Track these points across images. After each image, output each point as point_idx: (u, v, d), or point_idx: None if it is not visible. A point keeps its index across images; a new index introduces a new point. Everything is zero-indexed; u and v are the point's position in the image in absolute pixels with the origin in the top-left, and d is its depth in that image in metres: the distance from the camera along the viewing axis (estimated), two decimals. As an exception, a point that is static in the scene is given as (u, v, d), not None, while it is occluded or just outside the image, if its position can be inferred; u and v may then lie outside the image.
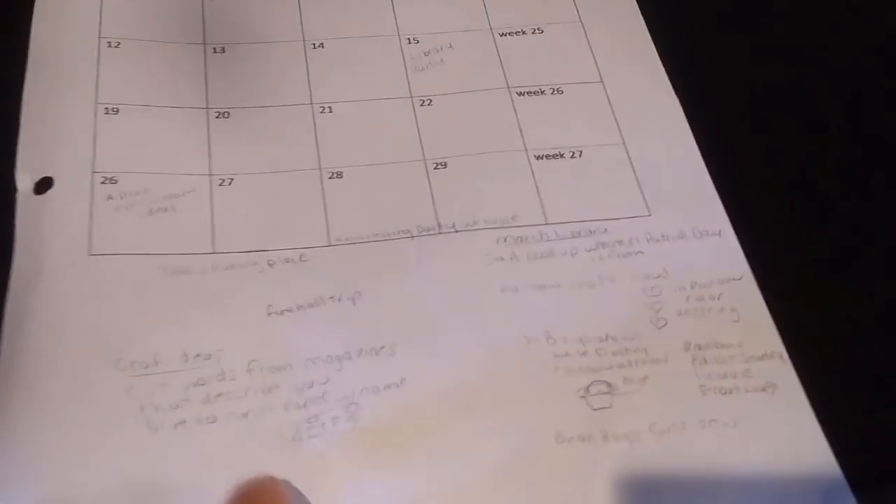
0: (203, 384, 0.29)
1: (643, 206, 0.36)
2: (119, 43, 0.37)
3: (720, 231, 0.35)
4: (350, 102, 0.37)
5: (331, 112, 0.37)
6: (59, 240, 0.31)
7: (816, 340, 0.32)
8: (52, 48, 0.36)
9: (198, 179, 0.34)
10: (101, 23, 0.37)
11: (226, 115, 0.36)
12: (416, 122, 0.37)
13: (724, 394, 0.31)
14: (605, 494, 0.28)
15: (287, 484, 0.27)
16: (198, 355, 0.30)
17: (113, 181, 0.33)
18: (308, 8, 0.40)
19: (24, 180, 0.33)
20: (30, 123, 0.34)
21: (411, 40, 0.40)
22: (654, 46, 0.41)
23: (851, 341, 0.33)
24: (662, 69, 0.40)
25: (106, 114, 0.35)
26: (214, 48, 0.38)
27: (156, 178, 0.34)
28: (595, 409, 0.30)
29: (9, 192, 0.32)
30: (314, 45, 0.39)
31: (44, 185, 0.33)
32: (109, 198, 0.33)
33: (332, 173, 0.35)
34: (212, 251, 0.32)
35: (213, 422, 0.28)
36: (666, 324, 0.32)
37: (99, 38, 0.37)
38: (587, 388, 0.31)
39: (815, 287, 0.34)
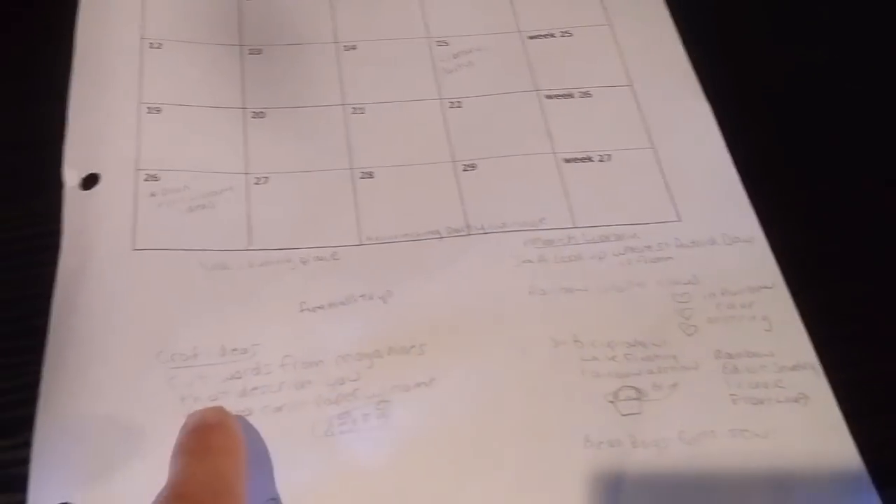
0: (239, 377, 0.30)
1: (673, 211, 0.35)
2: (161, 44, 0.38)
3: (751, 238, 0.35)
4: (381, 104, 0.38)
5: (362, 113, 0.37)
6: (105, 234, 0.32)
7: (849, 352, 0.32)
8: (97, 49, 0.37)
9: (235, 178, 0.35)
10: (143, 25, 0.38)
11: (261, 115, 0.37)
12: (446, 123, 0.38)
13: (756, 404, 0.31)
14: (633, 501, 0.28)
15: (240, 420, 0.28)
16: (234, 349, 0.30)
17: (155, 178, 0.34)
18: (340, 11, 0.41)
19: (72, 176, 0.34)
20: (76, 121, 0.35)
21: (441, 43, 0.40)
22: (683, 49, 0.41)
23: (885, 353, 0.33)
24: (692, 72, 0.40)
25: (149, 113, 0.36)
26: (251, 49, 0.39)
27: (195, 175, 0.34)
28: (624, 415, 0.30)
29: (56, 187, 0.33)
30: (346, 47, 0.40)
31: (90, 181, 0.34)
32: (152, 194, 0.34)
33: (364, 173, 0.36)
34: (248, 248, 0.33)
35: (248, 414, 0.29)
36: (696, 331, 0.32)
37: (141, 39, 0.38)
38: (616, 394, 0.31)
39: (848, 297, 0.34)
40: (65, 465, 0.28)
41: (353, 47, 0.40)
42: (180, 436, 0.26)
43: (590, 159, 0.37)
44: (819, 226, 0.36)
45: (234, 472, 0.25)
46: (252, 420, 0.29)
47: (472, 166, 0.36)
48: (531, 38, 0.41)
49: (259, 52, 0.39)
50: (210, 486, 0.24)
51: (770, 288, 0.33)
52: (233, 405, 0.29)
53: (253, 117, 0.37)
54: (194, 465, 0.25)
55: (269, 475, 0.28)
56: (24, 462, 0.27)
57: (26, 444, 0.28)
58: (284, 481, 0.28)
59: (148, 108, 0.36)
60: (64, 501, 0.27)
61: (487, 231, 0.34)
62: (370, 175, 0.36)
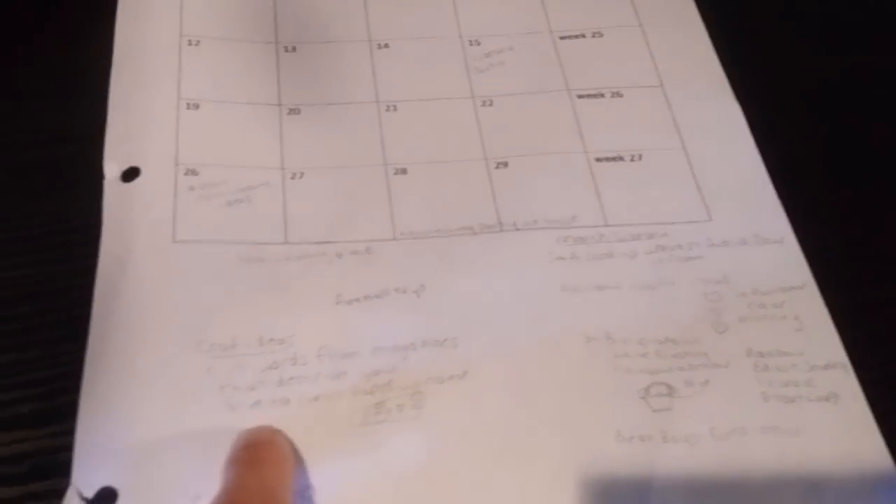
0: (276, 368, 0.30)
1: (704, 211, 0.36)
2: (199, 41, 0.39)
3: (782, 238, 0.35)
4: (413, 101, 0.38)
5: (395, 110, 0.38)
6: (146, 226, 0.33)
7: (880, 352, 0.32)
8: (136, 45, 0.38)
9: (271, 173, 0.35)
10: (181, 22, 0.39)
11: (297, 111, 0.37)
12: (478, 121, 0.38)
13: (787, 402, 0.31)
14: (663, 496, 0.29)
15: (287, 438, 0.28)
16: (272, 340, 0.31)
17: (194, 172, 0.35)
18: (374, 9, 0.41)
19: (112, 169, 0.34)
20: (116, 116, 0.36)
21: (473, 42, 0.40)
22: (714, 50, 0.41)
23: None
24: (723, 72, 0.40)
25: (188, 108, 0.36)
26: (286, 47, 0.39)
27: (233, 170, 0.35)
28: (655, 411, 0.30)
29: (95, 182, 0.34)
30: (379, 45, 0.40)
31: (130, 174, 0.34)
32: (191, 188, 0.34)
33: (397, 169, 0.36)
34: (284, 241, 0.33)
35: (286, 404, 0.29)
36: (727, 329, 0.32)
37: (180, 35, 0.39)
38: (647, 389, 0.31)
39: (879, 298, 0.34)
40: (107, 451, 0.28)
41: (386, 45, 0.40)
42: (233, 449, 0.27)
43: (621, 158, 0.37)
44: (850, 226, 0.36)
45: (282, 484, 0.26)
46: (289, 409, 0.29)
47: (504, 164, 0.36)
48: (562, 38, 0.41)
49: (294, 49, 0.39)
50: (260, 495, 0.25)
51: (801, 288, 0.33)
52: (270, 394, 0.30)
53: (288, 114, 0.37)
54: (246, 475, 0.26)
55: (305, 462, 0.28)
56: (67, 448, 0.28)
57: (70, 432, 0.28)
58: (320, 469, 0.28)
59: (187, 103, 0.36)
60: (106, 485, 0.27)
61: (520, 228, 0.35)
62: (403, 171, 0.36)
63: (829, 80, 0.41)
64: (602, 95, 0.39)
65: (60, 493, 0.27)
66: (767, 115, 0.38)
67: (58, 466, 0.28)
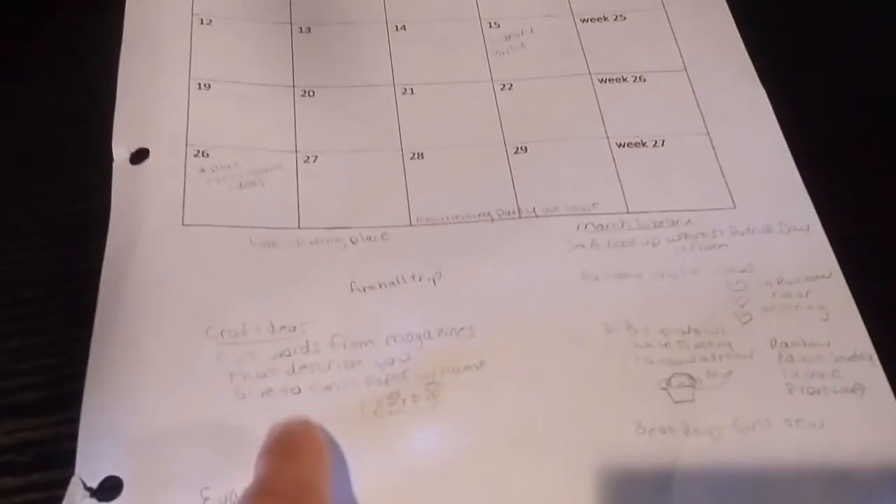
0: (288, 355, 0.29)
1: (728, 198, 0.34)
2: (211, 20, 0.38)
3: (808, 226, 0.34)
4: (431, 85, 0.37)
5: (412, 94, 0.37)
6: (155, 209, 0.32)
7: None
8: (147, 24, 0.37)
9: (284, 156, 0.34)
10: (193, 1, 0.38)
11: (311, 93, 0.36)
12: (497, 105, 0.37)
13: (812, 393, 0.30)
14: (684, 488, 0.28)
15: (322, 429, 0.27)
16: (283, 327, 0.30)
17: (205, 154, 0.34)
18: (391, -10, 0.40)
19: (120, 151, 0.33)
20: (126, 96, 0.35)
21: (492, 24, 0.39)
22: (739, 34, 0.39)
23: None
24: (748, 57, 0.39)
25: (199, 89, 0.35)
26: (301, 28, 0.38)
27: (245, 152, 0.34)
28: (676, 402, 0.29)
29: (106, 163, 0.33)
30: (397, 27, 0.39)
31: (140, 156, 0.33)
32: (202, 170, 0.33)
33: (414, 154, 0.35)
34: (298, 226, 0.32)
35: (297, 393, 0.29)
36: (751, 319, 0.31)
37: (192, 15, 0.38)
38: (668, 381, 0.30)
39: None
40: (112, 440, 0.27)
41: (404, 27, 0.39)
42: (267, 440, 0.26)
43: (643, 144, 0.36)
44: (878, 215, 0.35)
45: (319, 473, 0.25)
46: (301, 399, 0.28)
47: (524, 149, 0.35)
48: (584, 21, 0.40)
49: (309, 30, 0.38)
50: (296, 483, 0.24)
51: (827, 277, 0.32)
52: (282, 383, 0.29)
53: (302, 96, 0.36)
54: (281, 464, 0.25)
55: (342, 454, 0.27)
56: (72, 438, 0.27)
57: (75, 421, 0.28)
58: (333, 459, 0.27)
59: (198, 84, 0.36)
60: (111, 475, 0.27)
61: (539, 215, 0.34)
62: (420, 156, 0.35)
63: (857, 66, 0.39)
64: (624, 80, 0.38)
65: (64, 482, 0.26)
66: (794, 101, 0.37)
67: (62, 456, 0.27)
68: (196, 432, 0.27)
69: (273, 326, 0.30)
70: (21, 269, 0.31)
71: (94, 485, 0.26)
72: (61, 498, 0.26)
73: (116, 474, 0.27)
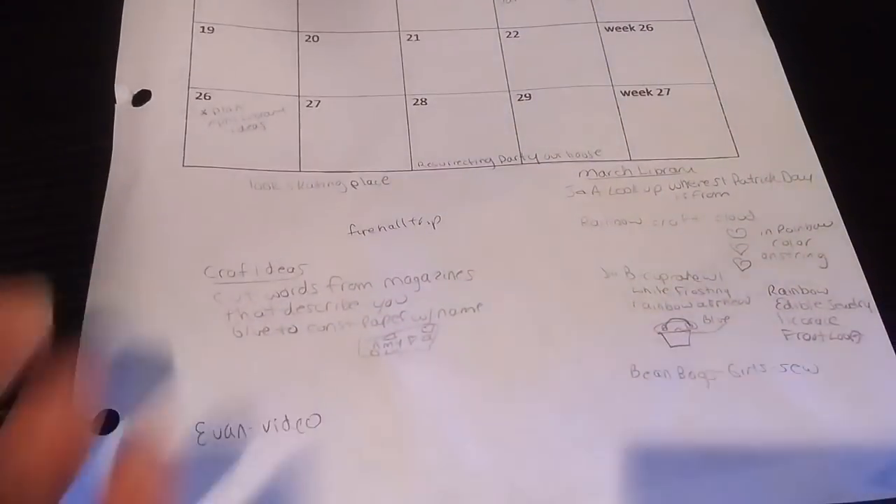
0: (286, 296, 0.28)
1: (731, 146, 0.33)
2: None
3: (811, 176, 0.32)
4: (437, 31, 0.35)
5: (417, 40, 0.35)
6: (155, 150, 0.31)
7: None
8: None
9: (287, 100, 0.33)
10: None
11: (315, 38, 0.35)
12: (502, 52, 0.35)
13: (808, 340, 0.29)
14: (677, 431, 0.27)
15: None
16: (282, 268, 0.29)
17: (207, 97, 0.32)
18: (399, -63, 0.38)
19: (123, 92, 0.32)
20: (129, 38, 0.34)
21: None
22: (749, -15, 0.37)
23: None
24: (757, 8, 0.37)
25: (202, 32, 0.34)
26: None
27: (247, 96, 0.33)
28: (672, 346, 0.28)
29: (109, 105, 0.32)
30: None
31: (141, 98, 0.32)
32: (203, 113, 0.32)
33: (417, 100, 0.33)
34: (298, 169, 0.31)
35: (294, 332, 0.28)
36: (750, 266, 0.30)
37: (196, -43, 0.36)
38: (665, 325, 0.29)
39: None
40: (109, 375, 0.26)
41: None
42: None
43: (648, 93, 0.34)
44: (881, 164, 0.33)
45: None
46: (297, 338, 0.28)
47: (528, 96, 0.34)
48: None
49: None
50: None
51: (828, 226, 0.31)
52: (279, 322, 0.28)
53: (306, 40, 0.34)
54: None
55: (313, 391, 0.27)
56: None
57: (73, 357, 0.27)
58: (328, 398, 0.26)
59: (202, 27, 0.34)
60: (107, 408, 0.26)
61: (541, 161, 0.32)
62: (423, 102, 0.33)
63: (865, 20, 0.37)
64: (631, 28, 0.36)
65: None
66: (801, 52, 0.35)
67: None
68: (193, 369, 0.27)
69: (271, 267, 0.29)
70: (21, 207, 0.30)
71: (90, 418, 0.26)
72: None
73: (113, 408, 0.26)
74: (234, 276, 0.28)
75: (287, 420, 0.26)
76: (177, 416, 0.26)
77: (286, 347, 0.27)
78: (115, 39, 0.33)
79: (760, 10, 0.37)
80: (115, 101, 0.32)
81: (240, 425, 0.25)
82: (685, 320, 0.29)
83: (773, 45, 0.35)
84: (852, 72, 0.36)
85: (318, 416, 0.26)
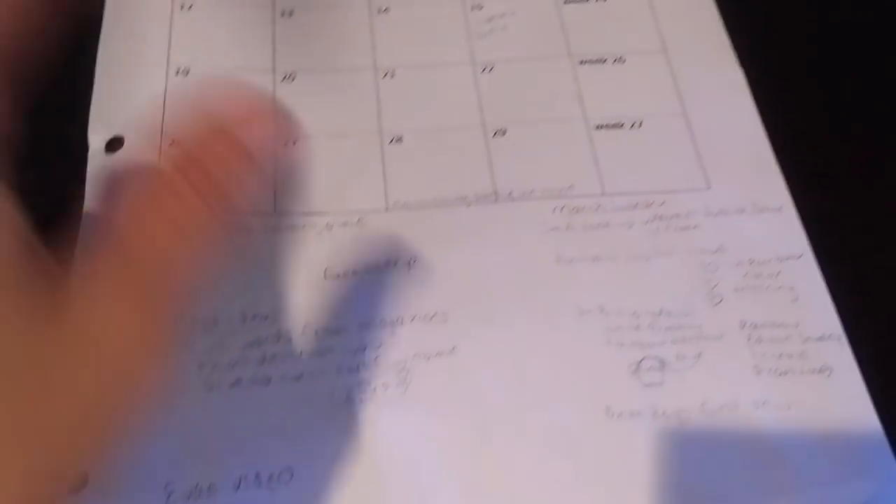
0: (259, 345, 0.28)
1: (702, 178, 0.33)
2: (192, 5, 0.35)
3: (781, 207, 0.32)
4: (412, 68, 0.35)
5: (393, 76, 0.35)
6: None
7: (875, 324, 0.30)
8: (126, 10, 0.35)
9: None
10: None
11: (291, 77, 0.34)
12: (477, 88, 0.35)
13: (780, 375, 0.28)
14: (653, 471, 0.26)
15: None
16: (255, 315, 0.28)
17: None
18: (374, -27, 0.38)
19: (96, 140, 0.31)
20: (103, 84, 0.33)
21: (475, 6, 0.37)
22: (719, 15, 0.37)
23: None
24: (727, 39, 0.37)
25: (177, 75, 0.34)
26: (282, 11, 0.36)
27: None
28: (646, 385, 0.28)
29: (82, 150, 0.31)
30: (379, 9, 0.37)
31: (114, 145, 0.32)
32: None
33: (393, 138, 0.33)
34: (273, 211, 0.31)
35: (266, 384, 0.27)
36: (722, 300, 0.30)
37: (172, 0, 0.35)
38: (639, 364, 0.28)
39: (877, 269, 0.31)
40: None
41: (386, 10, 0.37)
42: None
43: (621, 126, 0.34)
44: (849, 196, 0.33)
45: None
46: (270, 389, 0.27)
47: (503, 132, 0.34)
48: (566, 2, 0.38)
49: (290, 14, 0.36)
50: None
51: (798, 258, 0.31)
52: (251, 373, 0.27)
53: (283, 80, 0.34)
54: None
55: (286, 443, 0.26)
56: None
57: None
58: (300, 451, 0.26)
59: (177, 69, 0.34)
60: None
61: (516, 198, 0.32)
62: (399, 140, 0.33)
63: (834, 48, 0.38)
64: (604, 61, 0.36)
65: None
66: (770, 82, 0.35)
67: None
68: (162, 426, 0.26)
69: (245, 315, 0.28)
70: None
71: None
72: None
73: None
74: (206, 326, 0.28)
75: (258, 476, 0.25)
76: (145, 478, 0.25)
77: (258, 400, 0.27)
78: (90, 86, 0.33)
79: (730, 39, 0.37)
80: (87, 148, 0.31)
81: (210, 484, 0.25)
82: (659, 358, 0.29)
83: (743, 76, 0.35)
84: (821, 101, 0.36)
85: (290, 472, 0.25)
